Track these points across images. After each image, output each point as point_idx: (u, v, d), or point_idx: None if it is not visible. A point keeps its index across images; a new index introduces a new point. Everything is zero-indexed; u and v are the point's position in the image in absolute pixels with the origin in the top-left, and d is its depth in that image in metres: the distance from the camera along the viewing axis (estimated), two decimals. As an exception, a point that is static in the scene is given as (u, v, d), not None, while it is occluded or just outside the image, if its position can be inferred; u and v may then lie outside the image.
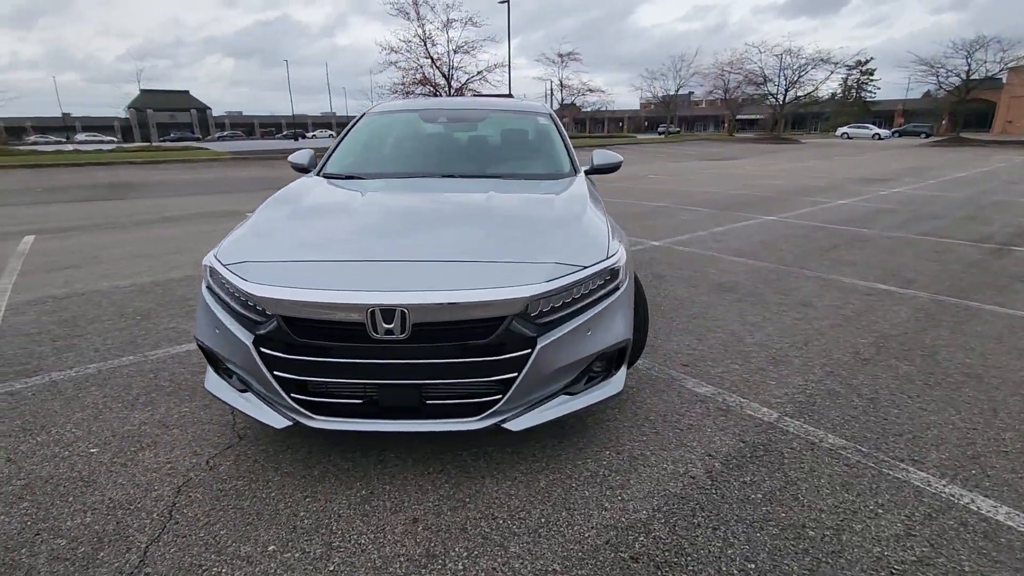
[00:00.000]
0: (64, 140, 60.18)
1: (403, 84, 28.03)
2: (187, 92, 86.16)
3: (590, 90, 40.76)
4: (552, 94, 41.97)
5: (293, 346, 1.88)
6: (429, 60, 27.89)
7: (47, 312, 3.86)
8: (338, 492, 1.96)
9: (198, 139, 65.70)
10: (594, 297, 2.07)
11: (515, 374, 1.90)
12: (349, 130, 3.60)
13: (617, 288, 2.16)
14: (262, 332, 1.91)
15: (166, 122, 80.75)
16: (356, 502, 1.92)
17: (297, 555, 1.67)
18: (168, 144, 40.12)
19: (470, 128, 3.73)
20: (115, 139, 62.88)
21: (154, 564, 1.63)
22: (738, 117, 61.54)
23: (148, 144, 38.36)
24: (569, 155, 3.35)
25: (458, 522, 1.82)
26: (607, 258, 2.13)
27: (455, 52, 28.30)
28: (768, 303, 4.07)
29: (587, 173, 3.37)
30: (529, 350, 1.89)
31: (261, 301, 1.88)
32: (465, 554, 1.68)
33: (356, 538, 1.74)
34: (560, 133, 3.52)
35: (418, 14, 27.00)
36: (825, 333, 3.48)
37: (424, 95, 28.38)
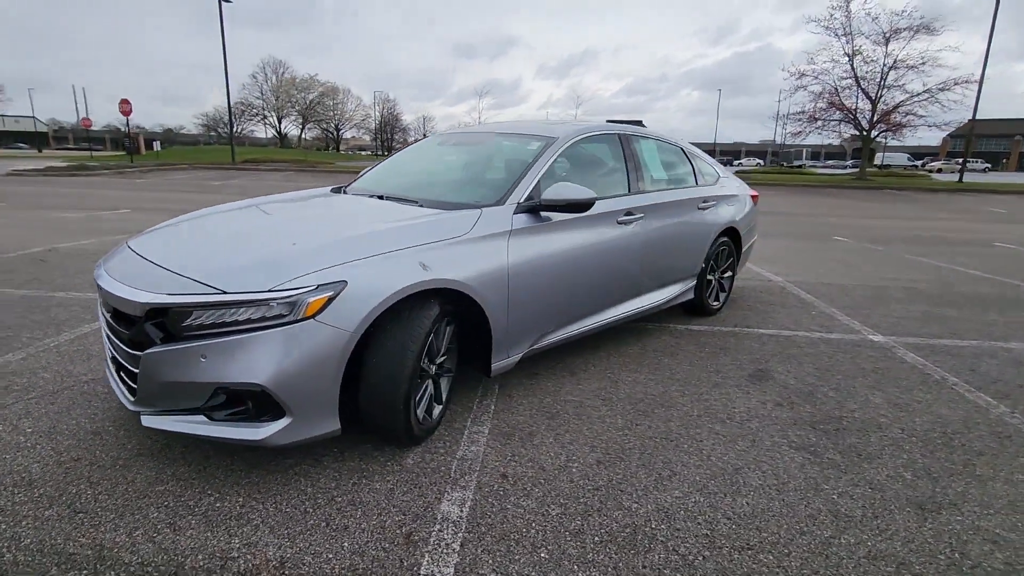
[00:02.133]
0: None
1: (811, 111, 24.57)
2: (640, 122, 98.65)
3: None
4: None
5: None
6: (853, 79, 23.40)
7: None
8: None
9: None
10: (240, 327, 1.94)
11: (138, 372, 2.04)
12: (404, 149, 3.98)
13: (277, 325, 1.94)
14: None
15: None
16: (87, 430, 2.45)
17: None
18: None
19: (461, 154, 3.51)
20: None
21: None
22: None
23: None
24: (513, 186, 2.81)
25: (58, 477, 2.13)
26: (268, 290, 1.95)
27: (891, 68, 22.84)
28: (834, 464, 2.29)
29: (529, 210, 2.76)
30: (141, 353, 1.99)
31: None
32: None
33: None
34: (537, 161, 2.93)
35: (849, 29, 23.01)
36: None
37: (838, 122, 24.18)
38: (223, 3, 24.80)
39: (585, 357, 3.47)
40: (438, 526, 1.90)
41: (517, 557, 1.77)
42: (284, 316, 1.95)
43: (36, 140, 67.09)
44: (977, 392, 3.15)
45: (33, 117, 71.57)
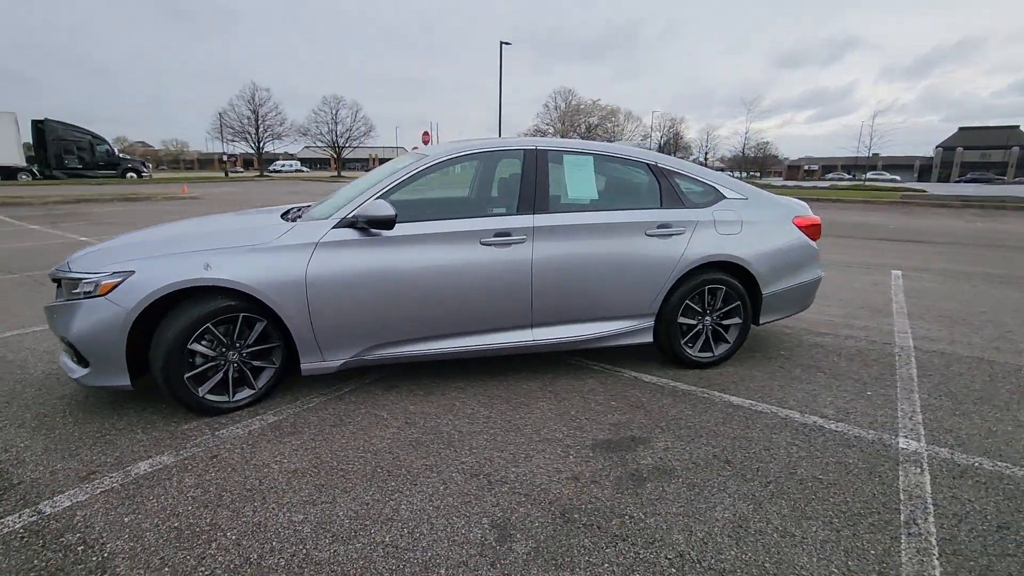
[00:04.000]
0: (852, 177, 66.26)
1: None
2: (1016, 127, 74.07)
3: None
4: None
5: None
6: None
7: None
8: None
9: (999, 181, 58.56)
10: (77, 297, 2.74)
11: (50, 319, 3.03)
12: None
13: (87, 298, 2.67)
14: None
15: (975, 161, 73.52)
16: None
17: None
18: (881, 183, 38.39)
19: (380, 171, 3.64)
20: (896, 178, 63.77)
21: None
22: None
23: (853, 183, 38.80)
24: (348, 202, 2.97)
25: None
26: (87, 272, 2.71)
27: None
28: None
29: (351, 225, 2.89)
30: None
31: None
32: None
33: (58, 365, 3.53)
34: (384, 179, 3.03)
35: None
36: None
37: None
38: (503, 45, 28.95)
39: (466, 382, 3.32)
40: (114, 474, 2.33)
41: (119, 511, 2.08)
42: (91, 292, 2.66)
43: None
44: (929, 554, 1.89)
45: (396, 147, 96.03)
